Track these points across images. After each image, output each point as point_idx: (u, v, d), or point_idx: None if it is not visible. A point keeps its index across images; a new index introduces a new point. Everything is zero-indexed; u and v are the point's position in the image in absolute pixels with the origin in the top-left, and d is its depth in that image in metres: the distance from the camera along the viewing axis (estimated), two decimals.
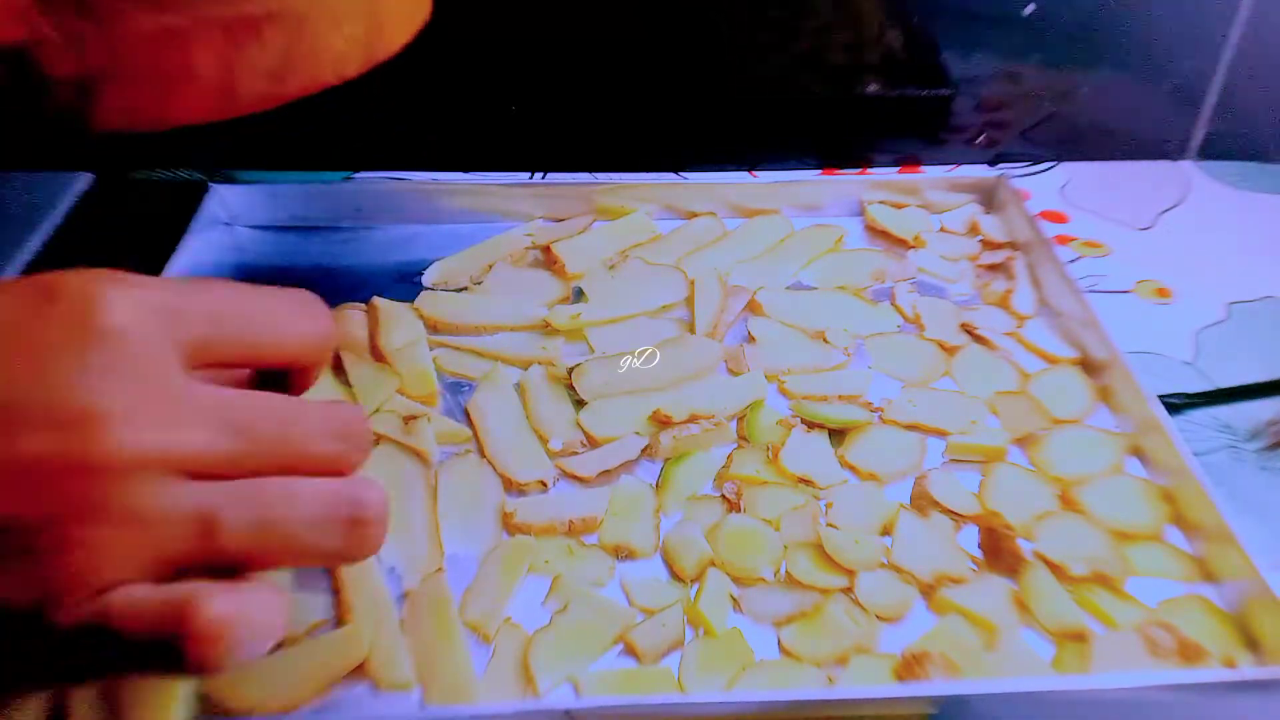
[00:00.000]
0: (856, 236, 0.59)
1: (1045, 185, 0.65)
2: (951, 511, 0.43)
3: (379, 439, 0.45)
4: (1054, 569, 0.40)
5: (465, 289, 0.54)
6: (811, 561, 0.41)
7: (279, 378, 0.32)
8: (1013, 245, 0.58)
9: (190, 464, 0.27)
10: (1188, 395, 0.50)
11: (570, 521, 0.42)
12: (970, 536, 0.42)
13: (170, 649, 0.26)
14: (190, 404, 0.28)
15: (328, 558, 0.31)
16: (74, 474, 0.26)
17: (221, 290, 0.30)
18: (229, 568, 0.28)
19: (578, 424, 0.46)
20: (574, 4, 0.60)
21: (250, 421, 0.28)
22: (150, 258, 0.50)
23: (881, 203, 0.60)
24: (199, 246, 0.53)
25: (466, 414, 0.47)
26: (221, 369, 0.31)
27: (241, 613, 0.27)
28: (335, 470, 0.30)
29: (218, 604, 0.27)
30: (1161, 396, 0.46)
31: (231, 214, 0.57)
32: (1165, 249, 0.60)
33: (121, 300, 0.27)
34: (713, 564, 0.41)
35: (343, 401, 0.33)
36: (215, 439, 0.28)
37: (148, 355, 0.27)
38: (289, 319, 0.31)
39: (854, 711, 0.35)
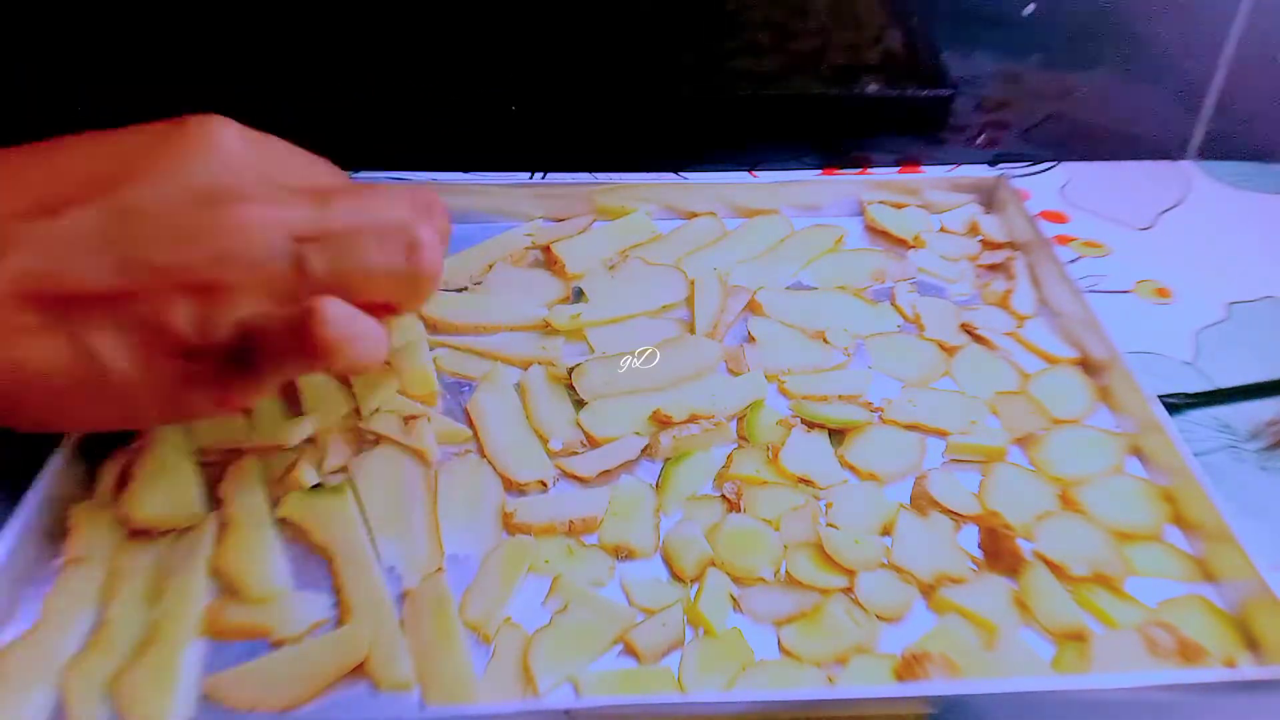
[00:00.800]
0: (856, 236, 0.59)
1: (1045, 185, 0.65)
2: (951, 511, 0.43)
3: (379, 439, 0.45)
4: (1054, 569, 0.40)
5: (465, 289, 0.54)
6: (811, 561, 0.41)
7: None
8: (1013, 245, 0.58)
9: (294, 228, 0.36)
10: (1188, 395, 0.50)
11: (570, 521, 0.42)
12: (970, 536, 0.42)
13: (304, 341, 0.34)
14: (287, 190, 0.37)
15: (396, 283, 0.38)
16: (212, 232, 0.35)
17: (289, 146, 0.40)
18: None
19: (578, 424, 0.46)
20: (574, 4, 0.60)
21: (332, 197, 0.38)
22: None
23: (881, 203, 0.60)
24: None
25: (466, 414, 0.47)
26: None
27: (351, 313, 0.35)
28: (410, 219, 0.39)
29: (333, 304, 0.35)
30: (1161, 396, 0.46)
31: None
32: (1165, 249, 0.60)
33: (227, 126, 0.38)
34: (713, 564, 0.41)
35: (419, 187, 0.43)
36: (308, 211, 0.37)
37: (249, 164, 0.37)
38: (325, 171, 0.42)
39: (854, 711, 0.35)
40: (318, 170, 0.41)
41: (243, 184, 0.36)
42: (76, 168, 0.36)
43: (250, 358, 0.36)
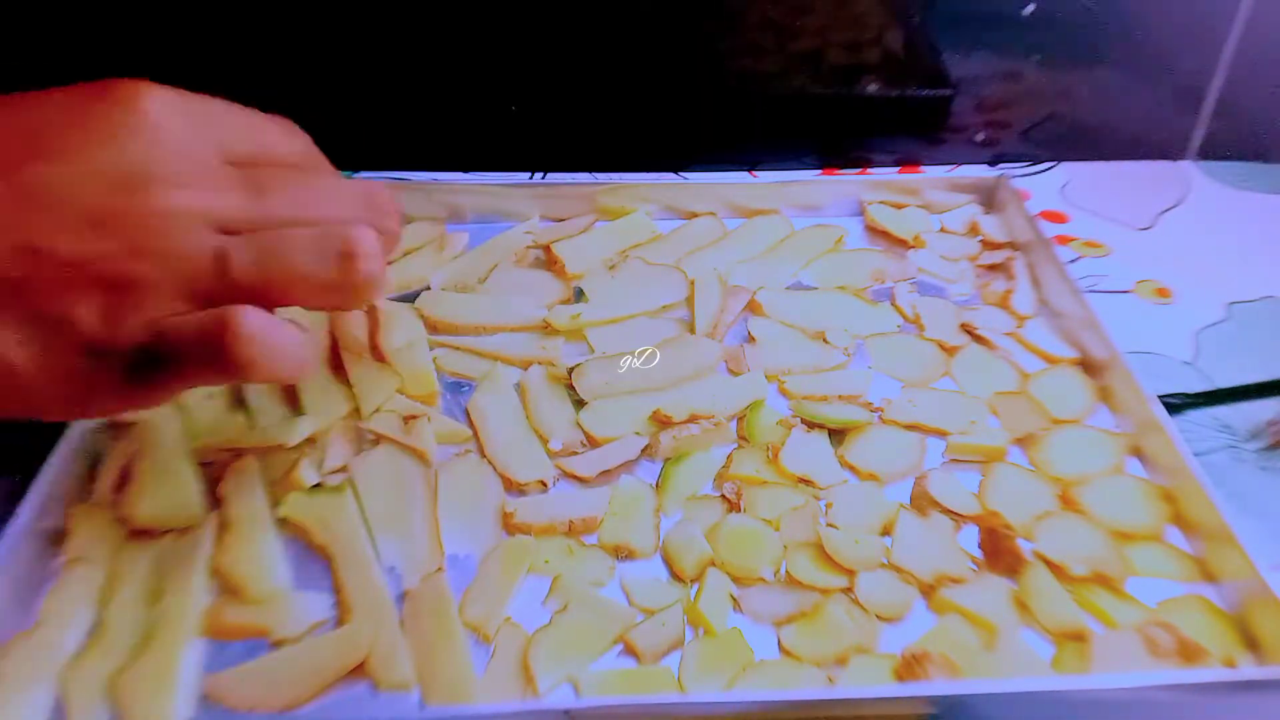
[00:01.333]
0: (857, 237, 0.59)
1: (1045, 185, 0.65)
2: (951, 511, 0.43)
3: (379, 439, 0.45)
4: (1054, 569, 0.40)
5: (466, 289, 0.54)
6: (811, 561, 0.41)
7: None
8: (1013, 245, 0.58)
9: (222, 219, 0.33)
10: (1188, 395, 0.50)
11: (570, 521, 0.42)
12: (970, 536, 0.42)
13: (217, 352, 0.32)
14: (220, 173, 0.34)
15: (327, 292, 0.35)
16: (127, 220, 0.32)
17: (234, 107, 0.36)
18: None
19: (578, 424, 0.46)
20: (574, 4, 0.60)
21: (271, 184, 0.35)
22: None
23: (882, 203, 0.60)
24: None
25: (467, 414, 0.47)
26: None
27: (271, 324, 0.33)
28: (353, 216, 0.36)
29: (251, 314, 0.33)
30: (1161, 396, 0.46)
31: None
32: (1165, 249, 0.60)
33: (158, 95, 0.34)
34: (712, 564, 0.41)
35: (371, 181, 0.39)
36: (240, 200, 0.34)
37: (182, 138, 0.34)
38: (283, 135, 0.38)
39: (853, 711, 0.35)
40: (267, 133, 0.37)
41: (167, 164, 0.33)
42: None
43: (159, 362, 0.33)
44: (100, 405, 0.35)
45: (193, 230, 0.33)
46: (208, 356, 0.33)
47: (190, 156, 0.34)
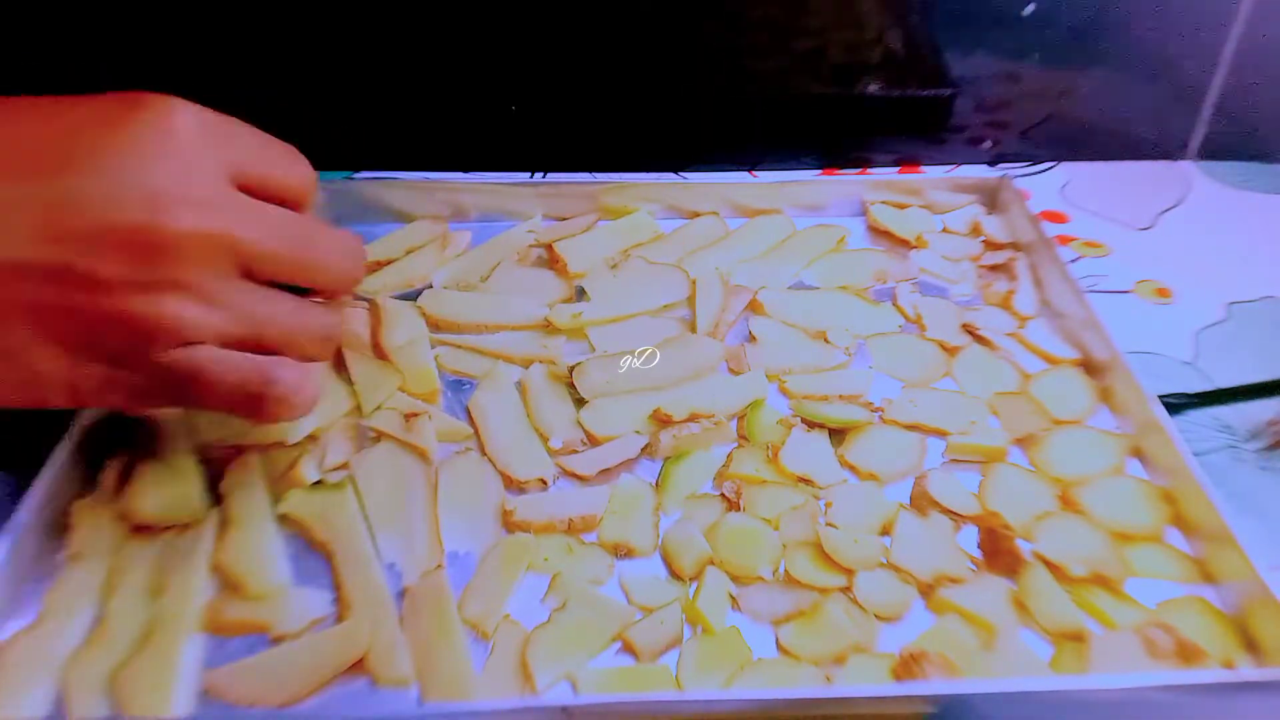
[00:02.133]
0: (859, 236, 0.59)
1: (1045, 185, 0.65)
2: (951, 511, 0.43)
3: (380, 436, 0.45)
4: (1053, 569, 0.40)
5: (468, 287, 0.54)
6: (810, 561, 0.41)
7: None
8: (1015, 246, 0.58)
9: (242, 251, 0.36)
10: (1188, 395, 0.50)
11: (570, 519, 0.42)
12: (970, 536, 0.42)
13: (252, 400, 0.36)
14: (235, 201, 0.36)
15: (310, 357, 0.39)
16: (157, 242, 0.34)
17: (251, 130, 0.38)
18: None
19: (578, 422, 0.46)
20: (574, 4, 0.60)
21: (283, 227, 0.37)
22: None
23: (884, 203, 0.60)
24: None
25: (467, 412, 0.47)
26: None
27: (303, 381, 0.37)
28: (343, 278, 0.40)
29: (290, 372, 0.37)
30: (1162, 396, 0.46)
31: None
32: (1165, 249, 0.60)
33: (185, 112, 0.35)
34: (712, 563, 0.41)
35: (348, 232, 0.42)
36: (260, 233, 0.36)
37: (204, 157, 0.35)
38: (291, 162, 0.40)
39: (851, 710, 0.35)
40: (277, 162, 0.39)
41: (192, 187, 0.34)
42: (19, 137, 0.34)
43: (189, 393, 0.36)
44: (111, 404, 0.37)
45: (217, 257, 0.35)
46: (239, 400, 0.36)
47: (213, 179, 0.35)
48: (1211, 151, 0.67)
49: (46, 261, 0.33)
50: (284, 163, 0.39)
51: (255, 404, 0.37)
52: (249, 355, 0.37)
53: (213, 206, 0.35)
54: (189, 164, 0.35)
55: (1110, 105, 0.66)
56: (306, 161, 0.40)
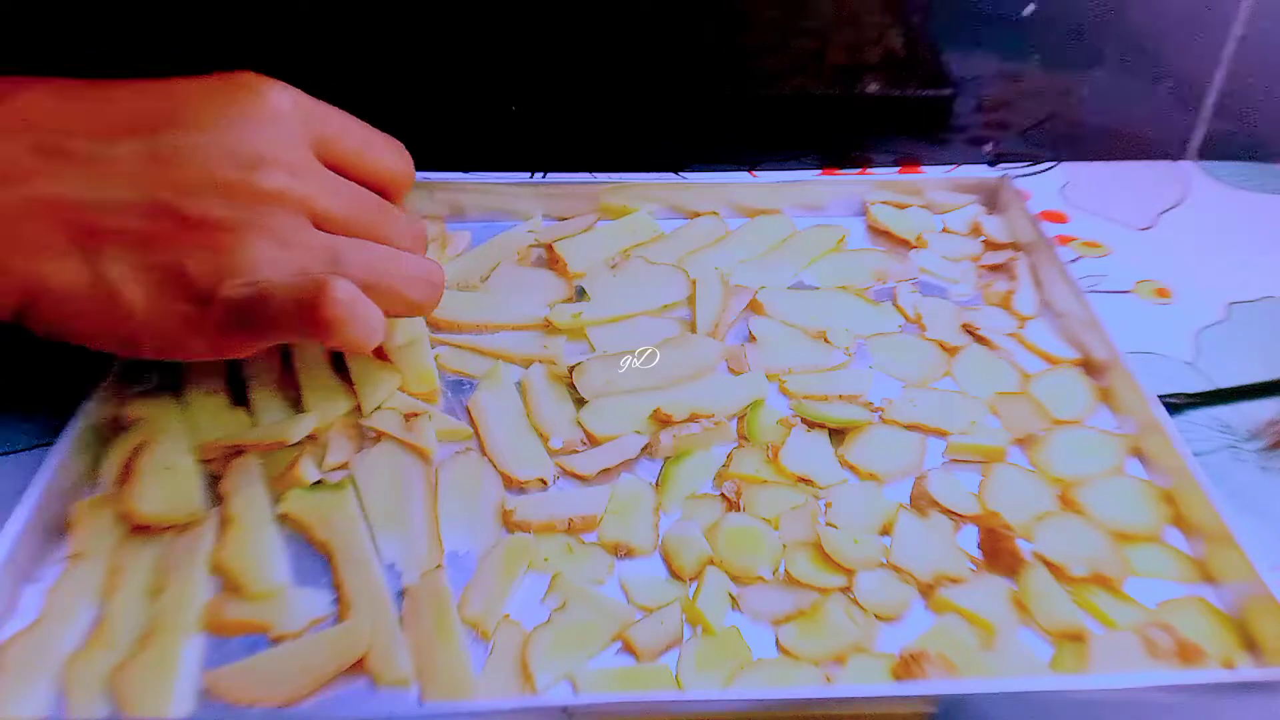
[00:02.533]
0: (859, 236, 0.59)
1: (1045, 185, 0.65)
2: (951, 511, 0.43)
3: (380, 436, 0.45)
4: (1053, 569, 0.40)
5: (468, 287, 0.54)
6: (810, 561, 0.41)
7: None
8: (1015, 246, 0.58)
9: (318, 213, 0.41)
10: (1188, 395, 0.50)
11: (570, 519, 0.42)
12: (970, 536, 0.42)
13: (309, 312, 0.37)
14: (319, 171, 0.42)
15: (410, 307, 0.43)
16: (245, 193, 0.39)
17: (346, 115, 0.45)
18: None
19: (578, 422, 0.46)
20: (574, 4, 0.60)
21: (358, 200, 0.43)
22: None
23: (884, 203, 0.60)
24: None
25: (468, 412, 0.47)
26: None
27: (358, 295, 0.38)
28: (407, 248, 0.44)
29: (344, 284, 0.38)
30: (1162, 396, 0.46)
31: None
32: (1165, 249, 0.60)
33: (282, 91, 0.42)
34: (712, 562, 0.41)
35: (423, 221, 0.48)
36: (336, 201, 0.41)
37: (294, 132, 0.41)
38: (386, 150, 0.46)
39: (851, 710, 0.35)
40: (368, 142, 0.44)
41: (281, 152, 0.40)
42: (132, 103, 0.39)
43: (254, 316, 0.38)
44: (194, 349, 0.39)
45: (295, 213, 0.39)
46: (299, 315, 0.38)
47: (303, 150, 0.41)
48: (1211, 151, 0.67)
49: (148, 200, 0.38)
50: (377, 148, 0.45)
51: (311, 314, 0.38)
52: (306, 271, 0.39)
53: (300, 172, 0.40)
54: (282, 134, 0.40)
55: (1110, 105, 0.66)
56: (406, 153, 0.46)
